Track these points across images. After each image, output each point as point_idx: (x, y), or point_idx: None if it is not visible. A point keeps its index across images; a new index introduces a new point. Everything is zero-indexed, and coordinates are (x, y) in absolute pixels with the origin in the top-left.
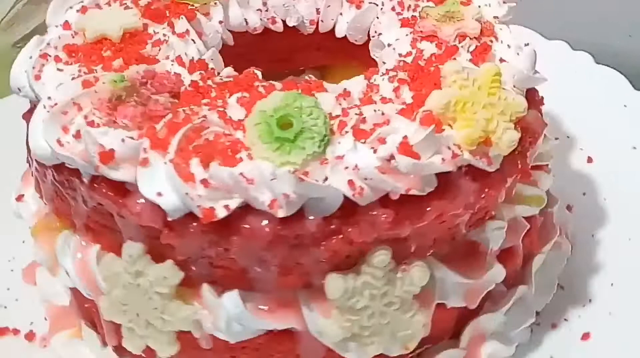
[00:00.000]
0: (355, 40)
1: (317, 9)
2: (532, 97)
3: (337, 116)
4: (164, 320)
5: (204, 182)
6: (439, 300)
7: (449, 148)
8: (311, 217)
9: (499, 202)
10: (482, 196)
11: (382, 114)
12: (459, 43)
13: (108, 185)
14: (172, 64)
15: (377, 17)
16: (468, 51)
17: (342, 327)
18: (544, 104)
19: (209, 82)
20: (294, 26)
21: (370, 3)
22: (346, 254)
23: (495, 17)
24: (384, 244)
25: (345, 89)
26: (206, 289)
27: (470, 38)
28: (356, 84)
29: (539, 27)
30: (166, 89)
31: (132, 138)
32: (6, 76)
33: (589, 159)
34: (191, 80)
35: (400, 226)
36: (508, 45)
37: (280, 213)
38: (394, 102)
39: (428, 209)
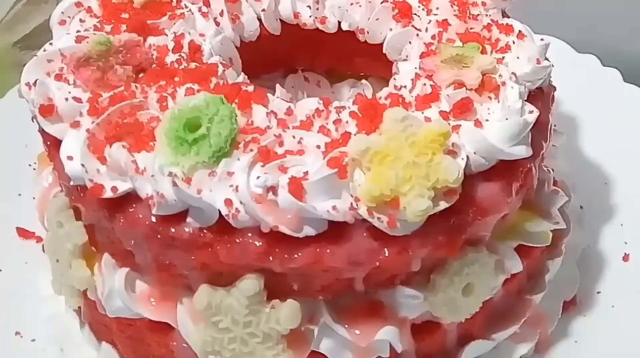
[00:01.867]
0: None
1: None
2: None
3: (255, 133)
4: (68, 274)
5: (102, 159)
6: (318, 348)
7: (351, 197)
8: (189, 223)
9: (412, 269)
10: (380, 257)
11: (299, 142)
12: (453, 90)
13: (48, 138)
14: (169, 40)
15: (410, 42)
16: (449, 101)
17: (204, 340)
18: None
19: (182, 66)
20: (347, 30)
21: (412, 26)
22: (218, 270)
23: (512, 74)
24: (258, 273)
25: (290, 107)
26: (106, 258)
27: (467, 89)
28: (309, 105)
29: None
30: (134, 62)
31: (76, 99)
32: (6, 76)
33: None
34: (170, 61)
35: (269, 261)
36: (509, 106)
37: (155, 210)
38: (328, 135)
39: (299, 253)
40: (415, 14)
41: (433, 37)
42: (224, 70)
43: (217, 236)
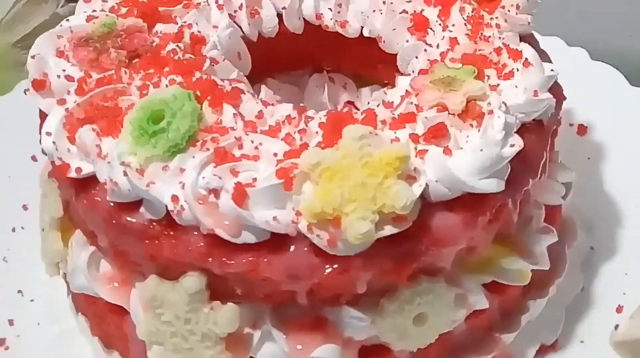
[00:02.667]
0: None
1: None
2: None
3: (217, 133)
4: (45, 245)
5: (73, 139)
6: (256, 355)
7: (293, 210)
8: (141, 214)
9: (357, 290)
10: (320, 274)
11: (257, 147)
12: (435, 113)
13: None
14: (174, 29)
15: (417, 57)
16: (425, 124)
17: (150, 330)
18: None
19: (177, 56)
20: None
21: (424, 40)
22: (164, 264)
23: (503, 103)
24: (200, 271)
25: (262, 111)
26: (77, 234)
27: (449, 113)
28: (282, 110)
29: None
30: (129, 48)
31: (68, 77)
32: (6, 76)
33: None
34: (167, 50)
35: (209, 262)
36: (488, 136)
37: (108, 197)
38: (291, 143)
39: (236, 259)
40: (431, 28)
41: (441, 54)
42: (212, 65)
43: (164, 229)
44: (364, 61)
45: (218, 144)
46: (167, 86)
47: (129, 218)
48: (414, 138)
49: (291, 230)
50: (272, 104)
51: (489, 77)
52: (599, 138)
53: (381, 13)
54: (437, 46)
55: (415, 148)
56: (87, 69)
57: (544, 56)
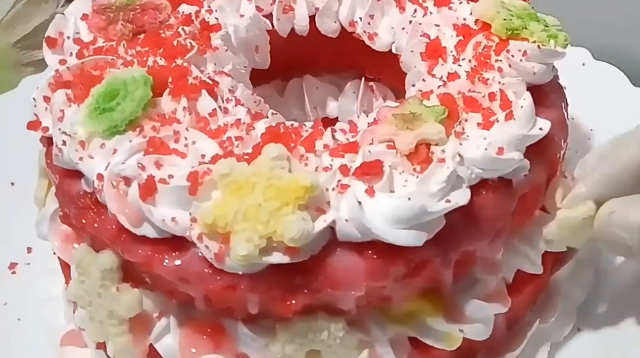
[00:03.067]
0: None
1: None
2: None
3: (162, 122)
4: (36, 191)
5: (47, 100)
6: (154, 344)
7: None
8: (81, 184)
9: (249, 310)
10: (209, 285)
11: (187, 146)
12: (382, 148)
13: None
14: (193, 13)
15: (413, 85)
16: (363, 157)
17: (74, 292)
18: None
19: (178, 39)
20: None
21: (428, 70)
22: (91, 235)
23: (458, 154)
24: (115, 252)
25: (216, 109)
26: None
27: (397, 152)
28: (236, 113)
29: None
30: (137, 23)
31: (78, 40)
32: (6, 76)
33: None
34: (171, 32)
35: (115, 244)
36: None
37: (54, 161)
38: (225, 148)
39: (136, 248)
40: (443, 58)
41: (433, 88)
42: (197, 54)
43: (92, 204)
44: (397, 76)
45: (157, 133)
46: (149, 66)
47: (70, 185)
48: (344, 170)
49: (188, 234)
50: (236, 105)
51: (464, 121)
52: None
53: (407, 32)
54: (441, 78)
55: (339, 181)
56: (95, 36)
57: (550, 111)
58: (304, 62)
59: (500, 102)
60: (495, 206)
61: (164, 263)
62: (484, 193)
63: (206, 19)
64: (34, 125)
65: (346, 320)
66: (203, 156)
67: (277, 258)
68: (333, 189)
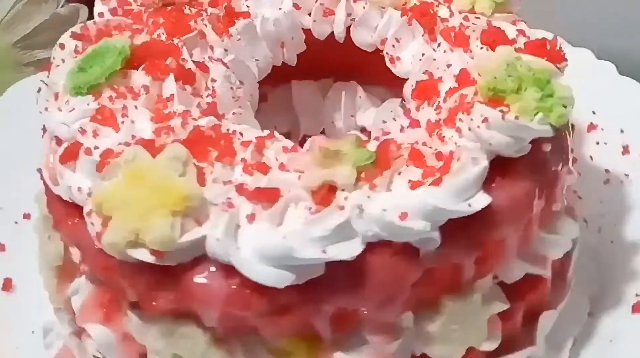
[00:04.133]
0: None
1: None
2: None
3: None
4: None
5: (62, 47)
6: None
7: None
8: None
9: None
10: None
11: (124, 122)
12: (294, 179)
13: None
14: None
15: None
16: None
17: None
18: None
19: (194, 19)
20: None
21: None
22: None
23: (358, 206)
24: None
25: (173, 95)
26: None
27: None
28: (183, 101)
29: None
30: None
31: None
32: (6, 76)
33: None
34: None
35: (43, 197)
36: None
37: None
38: (157, 131)
39: (54, 203)
40: (429, 101)
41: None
42: (196, 36)
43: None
44: None
45: (111, 104)
46: (150, 38)
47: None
48: (240, 188)
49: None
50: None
51: (397, 174)
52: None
53: (418, 66)
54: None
55: (229, 198)
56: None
57: (513, 189)
58: (350, 69)
59: (443, 164)
60: (389, 271)
61: (68, 223)
62: (380, 254)
63: (234, 6)
64: (45, 67)
65: (212, 335)
66: (133, 136)
67: (143, 255)
68: (220, 204)
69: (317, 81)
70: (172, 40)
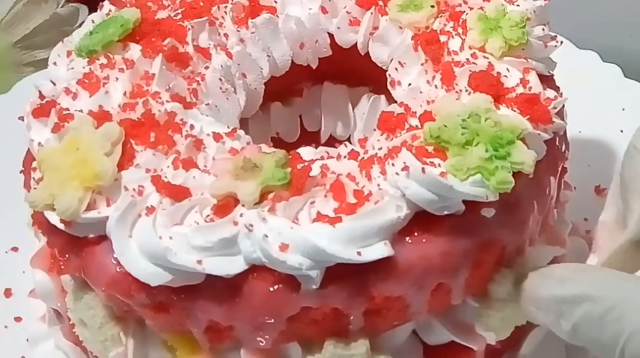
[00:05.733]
0: None
1: None
2: None
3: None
4: None
5: (100, 7)
6: None
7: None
8: None
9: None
10: None
11: (96, 93)
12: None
13: None
14: None
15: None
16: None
17: None
18: None
19: (218, 5)
20: None
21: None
22: None
23: (246, 226)
24: None
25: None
26: None
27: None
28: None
29: None
30: None
31: None
32: (6, 76)
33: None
34: None
35: None
36: None
37: None
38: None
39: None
40: (388, 134)
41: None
42: (205, 22)
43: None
44: None
45: (100, 72)
46: (167, 15)
47: None
48: (156, 179)
49: None
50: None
51: (311, 203)
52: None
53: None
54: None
55: (141, 186)
56: None
57: (430, 245)
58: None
59: (355, 204)
60: (265, 298)
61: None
62: (261, 280)
63: (262, 4)
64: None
65: (111, 311)
66: (100, 106)
67: (54, 220)
68: (130, 190)
69: (352, 87)
70: (183, 23)
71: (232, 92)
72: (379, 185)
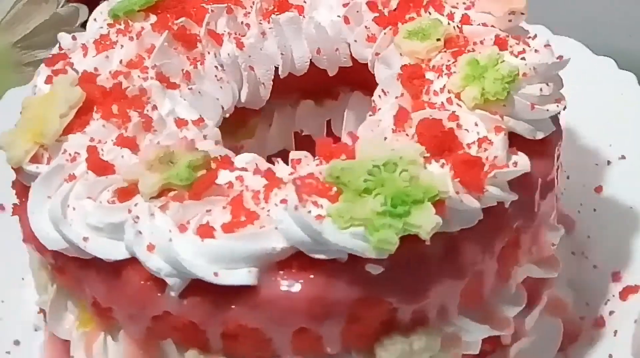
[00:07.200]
0: None
1: None
2: None
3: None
4: None
5: None
6: None
7: None
8: None
9: None
10: None
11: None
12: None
13: None
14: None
15: None
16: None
17: None
18: None
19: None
20: None
21: None
22: None
23: (133, 218)
24: None
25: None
26: None
27: None
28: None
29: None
30: None
31: None
32: (6, 76)
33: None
34: None
35: None
36: None
37: None
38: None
39: None
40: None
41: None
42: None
43: None
44: None
45: (115, 37)
46: None
47: None
48: (90, 150)
49: None
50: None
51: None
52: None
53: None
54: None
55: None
56: None
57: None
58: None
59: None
60: (134, 292)
61: None
62: (136, 271)
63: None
64: None
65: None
66: (95, 69)
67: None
68: (66, 154)
69: None
70: (209, 6)
71: (226, 82)
72: (269, 211)
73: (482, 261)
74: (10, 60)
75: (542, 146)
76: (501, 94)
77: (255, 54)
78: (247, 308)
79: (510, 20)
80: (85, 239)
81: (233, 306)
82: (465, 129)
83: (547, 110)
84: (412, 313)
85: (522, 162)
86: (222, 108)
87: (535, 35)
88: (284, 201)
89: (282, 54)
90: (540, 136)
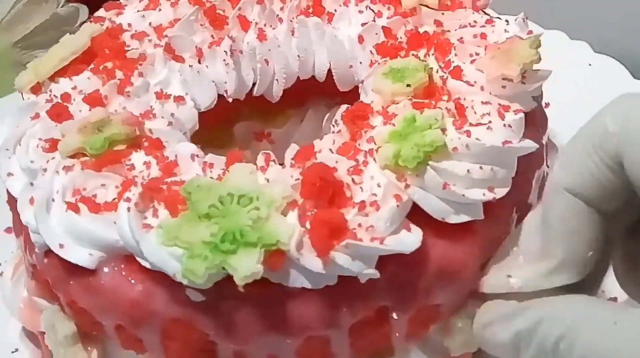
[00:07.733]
0: None
1: None
2: None
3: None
4: None
5: None
6: None
7: None
8: None
9: None
10: None
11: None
12: None
13: None
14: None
15: None
16: None
17: None
18: None
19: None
20: None
21: None
22: None
23: None
24: None
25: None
26: None
27: None
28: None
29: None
30: None
31: None
32: (6, 76)
33: None
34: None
35: None
36: None
37: None
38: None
39: None
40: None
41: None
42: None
43: None
44: None
45: (152, 5)
46: None
47: None
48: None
49: None
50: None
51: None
52: None
53: None
54: None
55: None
56: None
57: None
58: None
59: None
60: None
61: None
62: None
63: (327, 4)
64: None
65: None
66: (129, 24)
67: None
68: (47, 94)
69: None
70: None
71: (232, 69)
72: None
73: (319, 328)
74: (10, 60)
75: (463, 231)
76: (411, 161)
77: (273, 50)
78: (80, 288)
79: (504, 87)
80: (9, 174)
81: (71, 282)
82: (361, 188)
83: (463, 195)
84: (233, 353)
85: (408, 240)
86: (225, 92)
87: (518, 111)
88: (128, 199)
89: (299, 56)
90: (454, 219)
